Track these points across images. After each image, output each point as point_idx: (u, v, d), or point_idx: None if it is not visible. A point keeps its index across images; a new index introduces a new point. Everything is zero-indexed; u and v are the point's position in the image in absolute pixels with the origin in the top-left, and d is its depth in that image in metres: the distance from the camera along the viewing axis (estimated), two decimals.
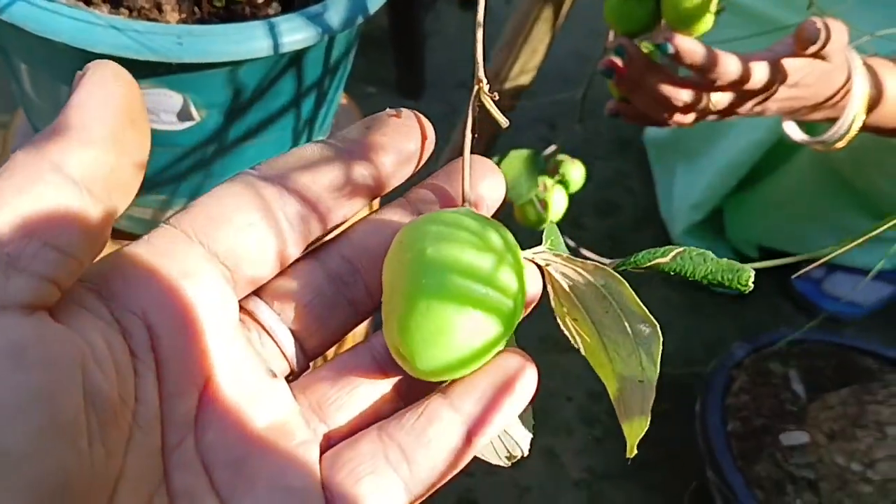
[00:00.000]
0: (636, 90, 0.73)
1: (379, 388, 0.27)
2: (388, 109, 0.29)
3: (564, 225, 0.95)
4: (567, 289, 0.29)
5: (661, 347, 0.26)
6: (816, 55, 0.70)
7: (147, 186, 0.70)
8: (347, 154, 0.27)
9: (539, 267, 0.29)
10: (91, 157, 0.23)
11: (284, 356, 0.27)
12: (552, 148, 0.95)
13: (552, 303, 0.30)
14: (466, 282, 0.25)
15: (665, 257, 0.26)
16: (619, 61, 0.73)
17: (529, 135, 1.67)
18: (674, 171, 1.52)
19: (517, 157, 0.90)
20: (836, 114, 0.76)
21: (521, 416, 0.31)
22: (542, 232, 0.30)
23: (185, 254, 0.25)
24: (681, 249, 0.26)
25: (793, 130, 0.79)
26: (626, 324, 0.27)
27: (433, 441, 0.26)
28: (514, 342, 0.30)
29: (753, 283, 0.27)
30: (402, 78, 1.74)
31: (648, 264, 0.26)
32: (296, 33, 0.57)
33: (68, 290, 0.24)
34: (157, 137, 0.64)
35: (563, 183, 0.91)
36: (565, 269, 0.29)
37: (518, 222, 0.92)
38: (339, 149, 0.27)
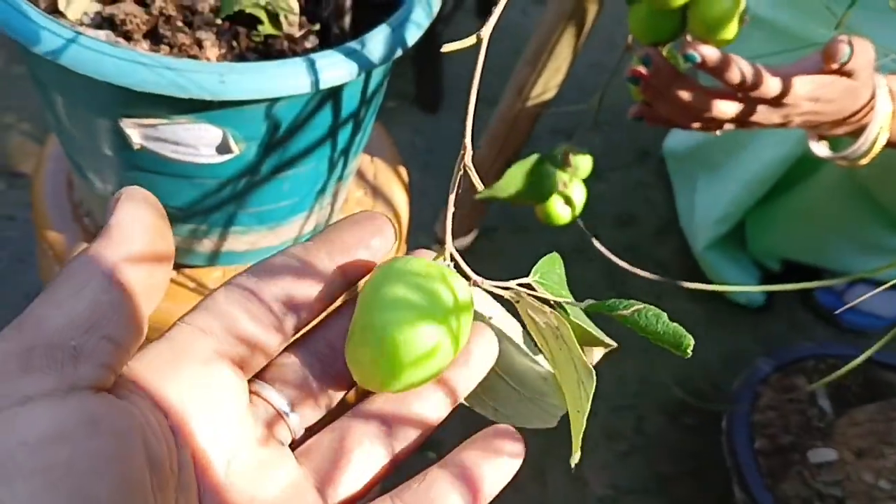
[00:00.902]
0: (661, 98, 0.74)
1: (375, 452, 0.32)
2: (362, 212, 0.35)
3: (577, 236, 0.95)
4: (534, 323, 0.34)
5: (594, 389, 0.31)
6: (842, 72, 0.71)
7: (183, 216, 0.71)
8: (326, 257, 0.32)
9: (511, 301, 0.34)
10: (132, 265, 0.29)
11: (288, 427, 0.32)
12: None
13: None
14: (404, 309, 0.30)
15: (626, 310, 0.30)
16: (644, 70, 0.73)
17: (548, 146, 1.67)
18: (694, 182, 1.52)
19: (521, 167, 0.86)
20: (859, 130, 0.77)
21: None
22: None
23: (201, 347, 0.30)
24: (639, 307, 0.29)
25: (817, 146, 0.80)
26: (574, 364, 0.32)
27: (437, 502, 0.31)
28: None
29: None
30: (421, 92, 1.74)
31: (612, 313, 0.30)
32: (335, 70, 0.57)
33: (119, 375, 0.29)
34: (195, 169, 0.65)
35: (576, 174, 0.90)
36: (530, 309, 0.33)
37: (543, 222, 0.90)
38: (317, 254, 0.32)
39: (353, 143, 0.72)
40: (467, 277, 0.34)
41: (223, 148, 0.62)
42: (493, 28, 0.40)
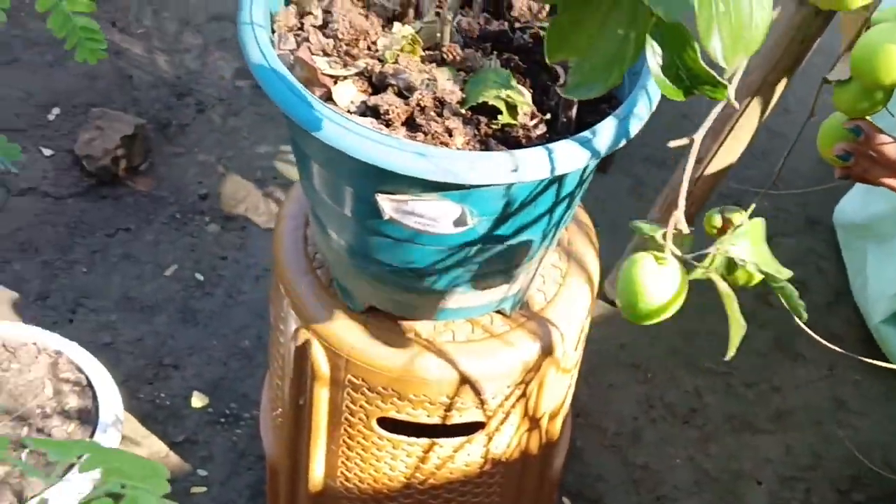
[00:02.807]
0: (868, 160, 0.76)
1: None
2: None
3: (751, 299, 0.96)
4: None
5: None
6: None
7: (413, 277, 0.80)
8: None
9: None
10: None
11: None
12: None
13: None
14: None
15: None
16: (847, 146, 0.76)
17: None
18: (865, 254, 1.50)
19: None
20: None
21: None
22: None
23: None
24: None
25: None
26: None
27: None
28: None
29: None
30: None
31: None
32: (571, 160, 0.64)
33: None
34: (431, 238, 0.74)
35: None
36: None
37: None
38: None
39: (566, 216, 0.79)
40: None
41: (460, 221, 0.70)
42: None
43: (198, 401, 1.35)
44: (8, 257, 1.47)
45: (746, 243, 0.64)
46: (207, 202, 1.58)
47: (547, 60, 0.40)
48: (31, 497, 1.14)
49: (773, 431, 1.38)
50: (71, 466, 1.15)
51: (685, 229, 0.47)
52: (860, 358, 0.86)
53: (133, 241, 1.51)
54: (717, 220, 0.79)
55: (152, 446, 1.29)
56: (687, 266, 0.53)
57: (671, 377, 1.44)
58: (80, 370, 1.25)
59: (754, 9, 0.32)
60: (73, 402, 1.22)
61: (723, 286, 0.49)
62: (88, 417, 1.20)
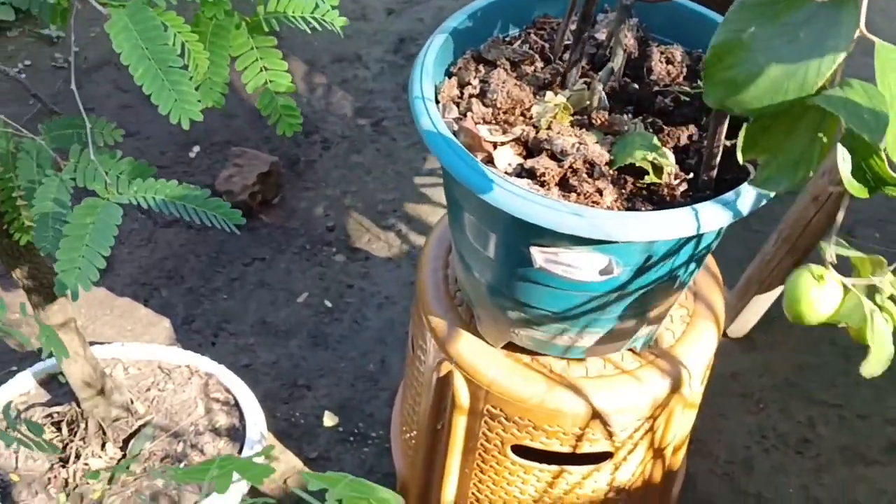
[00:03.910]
0: None
1: None
2: None
3: None
4: None
5: None
6: None
7: (554, 318, 0.87)
8: None
9: None
10: None
11: None
12: None
13: None
14: None
15: None
16: None
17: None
18: None
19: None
20: None
21: None
22: None
23: None
24: None
25: None
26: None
27: None
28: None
29: None
30: None
31: None
32: (714, 220, 0.71)
33: None
34: (575, 285, 0.81)
35: None
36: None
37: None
38: None
39: (700, 266, 0.85)
40: None
41: (606, 271, 0.77)
42: None
43: (329, 420, 1.45)
44: (156, 284, 1.61)
45: None
46: (334, 234, 1.69)
47: (739, 160, 0.47)
48: None
49: (886, 463, 1.39)
50: None
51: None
52: None
53: (267, 269, 1.64)
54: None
55: (289, 461, 1.40)
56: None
57: (783, 407, 1.47)
58: (228, 391, 1.36)
59: None
60: (222, 420, 1.34)
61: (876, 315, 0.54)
62: (236, 434, 1.32)
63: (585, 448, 0.98)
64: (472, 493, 1.11)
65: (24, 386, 1.35)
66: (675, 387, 0.95)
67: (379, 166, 1.81)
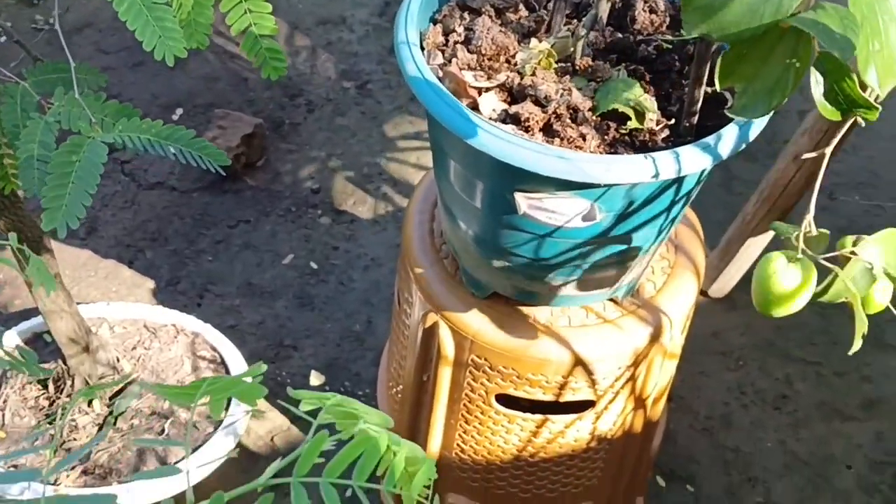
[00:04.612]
0: None
1: None
2: None
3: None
4: None
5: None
6: None
7: (538, 267, 0.88)
8: None
9: None
10: None
11: None
12: None
13: None
14: None
15: None
16: None
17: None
18: None
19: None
20: None
21: None
22: None
23: None
24: None
25: None
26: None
27: None
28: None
29: None
30: None
31: None
32: (695, 163, 0.72)
33: None
34: (560, 232, 0.82)
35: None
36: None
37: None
38: None
39: (680, 213, 0.86)
40: None
41: (589, 216, 0.78)
42: None
43: (315, 379, 1.46)
44: (140, 246, 1.61)
45: (877, 249, 0.66)
46: (319, 196, 1.69)
47: (717, 87, 0.48)
48: (175, 462, 1.27)
49: (863, 419, 1.43)
50: (210, 434, 1.28)
51: (814, 231, 0.54)
52: None
53: (252, 231, 1.64)
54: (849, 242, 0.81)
55: (276, 420, 1.41)
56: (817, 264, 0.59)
57: (762, 365, 1.50)
58: (214, 349, 1.37)
59: None
60: (209, 377, 1.35)
61: (851, 287, 0.55)
62: None
63: (568, 396, 1.00)
64: (458, 444, 1.13)
65: (9, 344, 1.35)
66: (656, 336, 0.97)
67: (364, 129, 1.81)
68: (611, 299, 0.98)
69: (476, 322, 0.98)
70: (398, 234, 1.64)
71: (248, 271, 1.59)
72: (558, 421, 1.04)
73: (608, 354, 0.97)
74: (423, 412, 1.13)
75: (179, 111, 1.81)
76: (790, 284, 0.57)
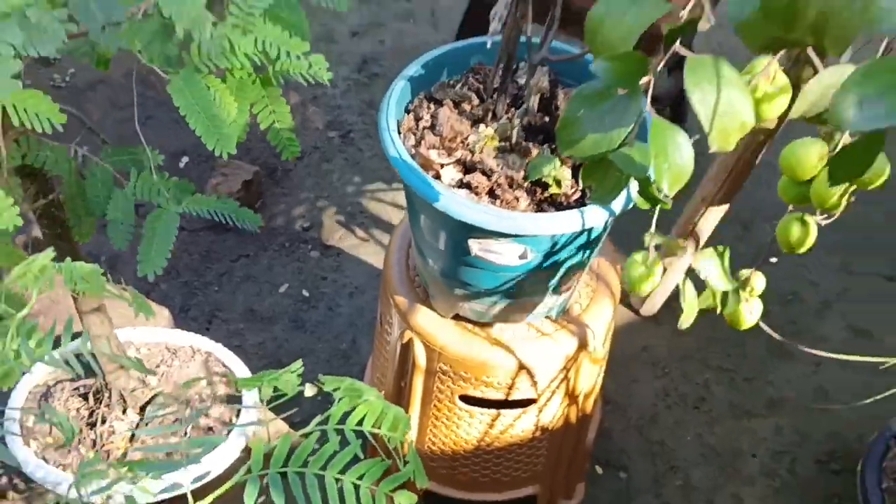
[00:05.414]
0: None
1: None
2: None
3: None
4: None
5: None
6: None
7: (485, 294, 1.16)
8: None
9: None
10: None
11: None
12: None
13: None
14: None
15: None
16: None
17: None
18: None
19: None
20: None
21: None
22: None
23: None
24: None
25: None
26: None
27: None
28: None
29: None
30: None
31: None
32: (596, 219, 1.00)
33: None
34: (501, 268, 1.10)
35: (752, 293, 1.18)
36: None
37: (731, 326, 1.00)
38: None
39: (595, 250, 1.15)
40: None
41: (524, 256, 1.06)
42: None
43: (309, 391, 1.72)
44: (156, 279, 1.87)
45: (712, 262, 0.91)
46: (309, 233, 1.96)
47: (580, 185, 0.76)
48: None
49: (766, 416, 1.72)
50: (227, 433, 1.53)
51: (657, 242, 0.82)
52: (842, 357, 1.03)
53: (252, 265, 1.90)
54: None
55: (276, 425, 1.67)
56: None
57: (684, 373, 1.79)
58: (225, 366, 1.63)
59: (685, 164, 0.66)
60: (221, 390, 1.60)
61: (688, 286, 0.83)
62: (234, 401, 1.58)
63: (516, 395, 1.27)
64: (429, 438, 1.39)
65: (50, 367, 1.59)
66: (583, 345, 1.25)
67: (347, 174, 2.09)
68: (547, 317, 1.26)
69: (443, 337, 1.25)
70: (379, 265, 1.91)
71: (249, 299, 1.85)
72: (508, 415, 1.31)
73: (546, 360, 1.25)
74: None
75: (185, 159, 2.07)
76: (641, 273, 0.85)
